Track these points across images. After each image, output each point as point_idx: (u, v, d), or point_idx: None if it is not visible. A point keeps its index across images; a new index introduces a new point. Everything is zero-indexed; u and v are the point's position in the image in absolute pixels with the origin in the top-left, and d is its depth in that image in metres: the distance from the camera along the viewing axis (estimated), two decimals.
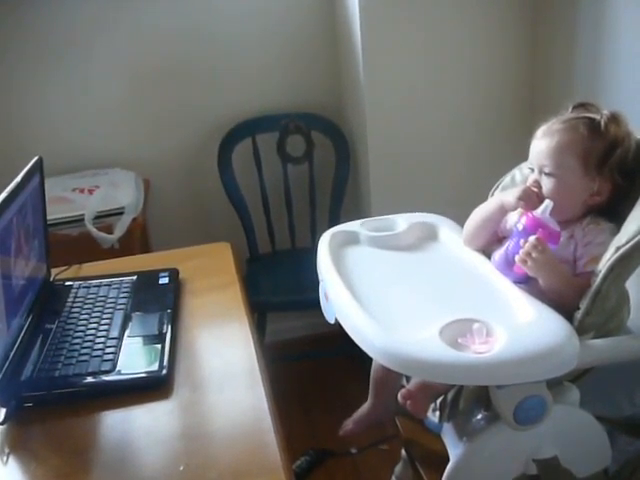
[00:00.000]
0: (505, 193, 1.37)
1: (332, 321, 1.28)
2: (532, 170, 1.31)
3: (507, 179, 1.49)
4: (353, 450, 2.14)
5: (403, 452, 1.59)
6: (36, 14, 2.20)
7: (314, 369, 2.57)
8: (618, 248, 1.14)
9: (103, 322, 1.29)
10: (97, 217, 2.02)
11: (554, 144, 1.26)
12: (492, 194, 1.50)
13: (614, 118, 1.26)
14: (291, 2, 2.36)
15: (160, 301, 1.37)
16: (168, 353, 1.19)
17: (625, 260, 1.13)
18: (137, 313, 1.33)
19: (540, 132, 1.31)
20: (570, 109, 1.32)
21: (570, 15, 2.01)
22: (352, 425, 1.51)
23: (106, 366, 1.16)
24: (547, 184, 1.27)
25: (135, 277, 1.46)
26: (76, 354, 1.19)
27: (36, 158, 1.37)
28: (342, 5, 2.26)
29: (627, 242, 1.13)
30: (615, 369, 1.27)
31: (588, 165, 1.24)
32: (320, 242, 1.45)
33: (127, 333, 1.27)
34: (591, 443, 1.27)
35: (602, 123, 1.25)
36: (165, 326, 1.28)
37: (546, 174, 1.27)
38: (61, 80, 2.29)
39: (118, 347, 1.21)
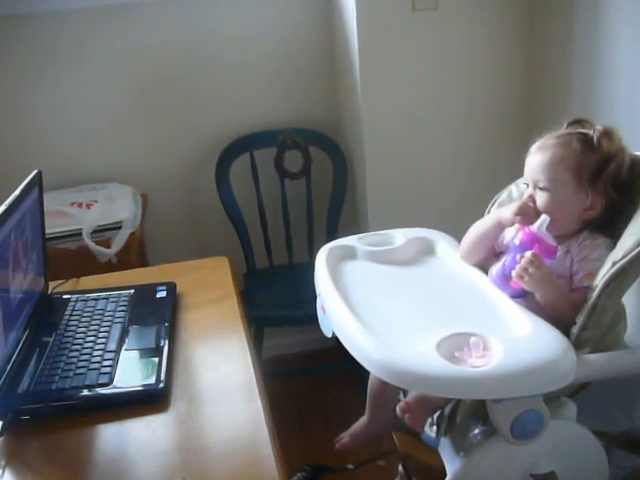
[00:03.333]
0: (503, 209, 1.38)
1: (329, 335, 1.28)
2: (527, 185, 1.33)
3: (504, 195, 1.50)
4: (350, 466, 2.12)
5: (400, 467, 1.59)
6: (35, 29, 2.21)
7: (311, 384, 2.56)
8: (614, 263, 1.14)
9: (100, 335, 1.29)
10: (95, 231, 2.02)
11: (547, 159, 1.28)
12: (489, 210, 1.51)
13: (607, 133, 1.27)
14: (289, 19, 2.38)
15: (157, 315, 1.37)
16: (165, 366, 1.19)
17: (621, 275, 1.14)
18: (134, 326, 1.33)
19: (534, 147, 1.32)
20: (565, 125, 1.33)
21: (566, 33, 2.03)
22: (348, 438, 1.51)
23: (103, 379, 1.16)
24: (541, 198, 1.28)
25: (133, 291, 1.46)
26: (73, 367, 1.19)
27: (35, 172, 1.37)
28: (340, 21, 2.28)
29: (623, 257, 1.14)
30: (612, 384, 1.27)
31: (581, 180, 1.25)
32: (317, 256, 1.45)
33: (124, 346, 1.27)
34: (589, 458, 1.27)
35: (595, 138, 1.26)
36: (162, 339, 1.28)
37: (540, 189, 1.28)
38: (59, 95, 2.30)
39: (115, 360, 1.21)
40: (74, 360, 1.21)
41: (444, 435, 1.31)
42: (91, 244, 1.98)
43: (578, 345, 1.14)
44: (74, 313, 1.38)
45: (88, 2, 2.21)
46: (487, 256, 1.37)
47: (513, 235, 1.26)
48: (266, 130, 2.43)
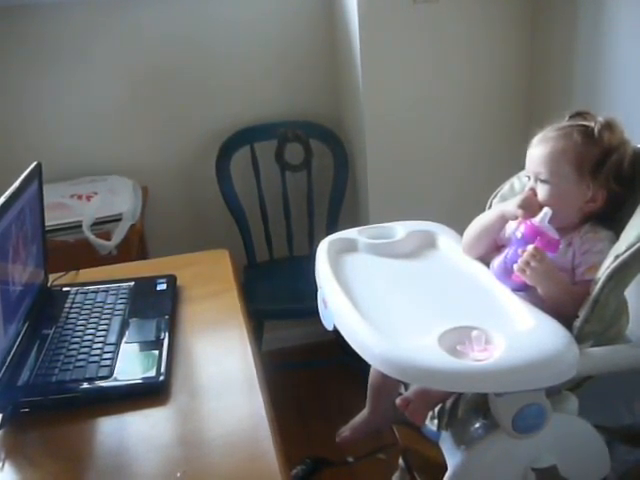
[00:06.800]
0: (505, 202, 1.37)
1: (330, 328, 1.28)
2: (529, 178, 1.32)
3: (506, 187, 1.49)
4: (350, 459, 2.12)
5: (401, 461, 1.58)
6: (35, 21, 2.20)
7: (311, 378, 2.56)
8: (617, 256, 1.14)
9: (100, 328, 1.29)
10: (95, 224, 2.01)
11: (548, 151, 1.27)
12: (490, 202, 1.50)
13: (608, 125, 1.27)
14: (290, 11, 2.37)
15: (158, 307, 1.36)
16: (166, 359, 1.18)
17: (624, 268, 1.13)
18: (135, 319, 1.33)
19: (535, 140, 1.32)
20: (567, 117, 1.33)
21: (568, 26, 2.02)
22: (349, 432, 1.51)
23: (103, 372, 1.15)
24: (542, 191, 1.27)
25: (133, 283, 1.46)
26: (73, 360, 1.18)
27: (35, 163, 1.37)
28: (341, 14, 2.26)
29: (626, 250, 1.13)
30: (614, 378, 1.27)
31: (582, 172, 1.25)
32: (318, 249, 1.45)
33: (124, 339, 1.26)
34: (590, 452, 1.27)
35: (596, 130, 1.25)
36: (163, 332, 1.27)
37: (541, 181, 1.28)
38: (59, 87, 2.29)
39: (115, 353, 1.21)
40: (74, 353, 1.21)
41: (445, 429, 1.31)
42: (91, 236, 1.97)
43: (580, 339, 1.14)
44: (74, 306, 1.37)
45: None
46: (489, 250, 1.37)
47: (515, 228, 1.25)
48: (267, 123, 2.43)
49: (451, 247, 1.44)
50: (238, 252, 2.36)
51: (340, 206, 2.47)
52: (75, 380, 1.14)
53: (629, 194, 1.27)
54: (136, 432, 1.06)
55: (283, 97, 2.45)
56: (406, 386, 1.37)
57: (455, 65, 2.21)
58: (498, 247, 1.36)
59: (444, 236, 1.47)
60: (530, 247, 1.18)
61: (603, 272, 1.15)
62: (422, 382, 1.16)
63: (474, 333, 1.10)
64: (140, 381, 1.14)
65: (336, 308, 1.24)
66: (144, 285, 1.46)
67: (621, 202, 1.27)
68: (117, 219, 2.04)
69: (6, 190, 1.20)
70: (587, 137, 1.26)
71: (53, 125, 2.33)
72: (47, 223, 1.48)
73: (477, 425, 1.28)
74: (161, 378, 1.14)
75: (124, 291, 1.42)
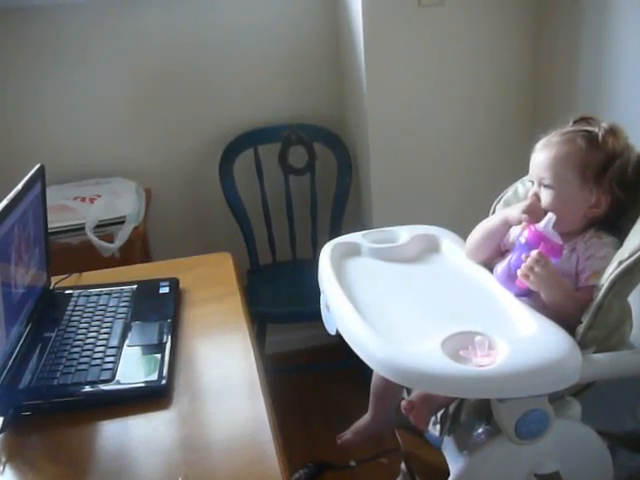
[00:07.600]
0: (509, 208, 1.37)
1: (333, 332, 1.27)
2: (533, 183, 1.32)
3: (509, 192, 1.49)
4: (352, 463, 2.12)
5: (403, 465, 1.58)
6: (38, 23, 2.20)
7: (313, 381, 2.56)
8: (621, 262, 1.13)
9: (103, 331, 1.29)
10: (98, 226, 2.01)
11: (552, 156, 1.27)
12: (494, 207, 1.50)
13: (612, 131, 1.27)
14: (294, 14, 2.37)
15: (160, 311, 1.36)
16: (168, 363, 1.18)
17: (628, 274, 1.13)
18: (137, 322, 1.33)
19: (539, 145, 1.32)
20: (570, 122, 1.32)
21: (572, 29, 2.02)
22: (350, 435, 1.50)
23: (105, 375, 1.15)
24: (546, 196, 1.27)
25: (135, 286, 1.45)
26: (75, 363, 1.18)
27: (38, 166, 1.37)
28: (345, 17, 2.26)
29: (630, 256, 1.13)
30: (617, 384, 1.27)
31: (585, 177, 1.25)
32: (321, 253, 1.45)
33: (127, 342, 1.26)
34: (593, 458, 1.27)
35: (600, 135, 1.25)
36: (165, 336, 1.27)
37: (545, 186, 1.28)
38: (62, 90, 2.29)
39: (117, 356, 1.20)
40: (76, 356, 1.20)
41: (448, 434, 1.30)
42: (94, 239, 1.97)
43: (584, 344, 1.13)
44: (76, 308, 1.37)
45: None
46: (493, 255, 1.37)
47: (519, 233, 1.25)
48: (270, 125, 2.42)
49: (454, 252, 1.44)
50: (241, 255, 2.35)
51: (343, 209, 2.46)
52: (77, 383, 1.14)
53: (633, 200, 1.26)
54: (138, 436, 1.05)
55: (287, 100, 2.45)
56: (409, 391, 1.37)
57: (459, 69, 2.21)
58: (502, 252, 1.36)
59: (447, 240, 1.47)
60: (534, 252, 1.17)
61: (607, 278, 1.14)
62: (424, 387, 1.16)
63: (477, 338, 1.09)
64: (142, 385, 1.13)
65: (338, 313, 1.24)
66: (147, 288, 1.45)
67: (625, 208, 1.27)
68: (120, 221, 2.04)
69: (9, 192, 1.20)
70: (591, 142, 1.26)
71: (56, 127, 2.33)
72: (50, 225, 1.48)
73: (480, 430, 1.27)
74: (163, 382, 1.13)
75: (127, 294, 1.42)
